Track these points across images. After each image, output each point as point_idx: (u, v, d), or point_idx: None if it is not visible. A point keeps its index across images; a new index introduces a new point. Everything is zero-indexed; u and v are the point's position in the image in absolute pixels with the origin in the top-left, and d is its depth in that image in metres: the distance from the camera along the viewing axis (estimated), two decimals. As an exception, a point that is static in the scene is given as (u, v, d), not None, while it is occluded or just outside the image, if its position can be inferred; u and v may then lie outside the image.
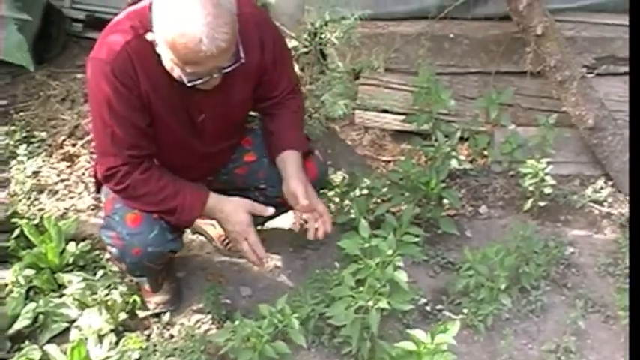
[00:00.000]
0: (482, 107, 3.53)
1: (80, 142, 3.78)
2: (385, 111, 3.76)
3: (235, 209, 2.56)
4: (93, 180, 2.90)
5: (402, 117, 3.59)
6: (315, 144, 3.35)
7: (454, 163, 3.36)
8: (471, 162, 3.70)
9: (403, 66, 3.66)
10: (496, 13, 3.54)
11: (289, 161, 2.67)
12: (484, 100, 3.50)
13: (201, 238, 3.29)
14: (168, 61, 2.20)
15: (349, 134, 3.85)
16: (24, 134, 3.84)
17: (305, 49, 3.19)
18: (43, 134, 3.85)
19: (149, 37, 2.21)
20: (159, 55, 2.23)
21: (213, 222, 3.11)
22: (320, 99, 3.06)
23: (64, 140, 3.84)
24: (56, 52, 4.36)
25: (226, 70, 2.25)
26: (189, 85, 2.22)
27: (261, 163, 2.82)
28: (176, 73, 2.22)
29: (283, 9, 3.29)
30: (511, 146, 3.48)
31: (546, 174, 3.30)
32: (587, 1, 3.55)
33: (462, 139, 3.54)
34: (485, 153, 3.68)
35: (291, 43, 3.18)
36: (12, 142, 3.76)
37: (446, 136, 3.37)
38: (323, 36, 2.84)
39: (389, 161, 3.73)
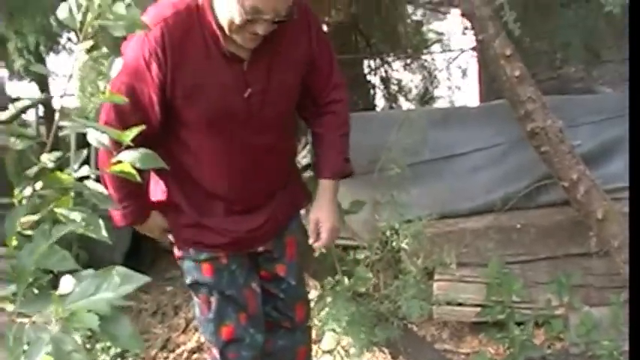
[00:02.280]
0: (554, 291, 3.63)
1: (172, 355, 3.95)
2: (461, 304, 3.88)
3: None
4: None
5: (478, 309, 3.70)
6: (395, 344, 3.47)
7: (531, 352, 3.43)
8: (548, 347, 3.73)
9: (474, 259, 3.80)
10: (559, 198, 3.69)
11: (319, 191, 2.72)
12: (555, 284, 3.60)
13: None
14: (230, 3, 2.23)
15: (428, 329, 3.96)
16: (118, 349, 3.96)
17: (377, 256, 3.36)
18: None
19: None
20: (201, 25, 2.32)
21: None
22: (396, 304, 3.20)
23: (156, 354, 4.01)
24: (146, 265, 4.59)
25: (280, 20, 2.27)
26: (247, 17, 2.22)
27: (288, 283, 2.85)
28: (236, 13, 2.22)
29: (356, 215, 3.47)
30: (586, 327, 3.53)
31: (621, 353, 3.34)
32: (642, 177, 3.67)
33: (537, 325, 3.62)
34: (562, 336, 3.73)
35: (363, 252, 3.37)
36: (107, 358, 3.90)
37: (521, 324, 3.46)
38: (394, 243, 3.01)
39: (468, 353, 3.81)
